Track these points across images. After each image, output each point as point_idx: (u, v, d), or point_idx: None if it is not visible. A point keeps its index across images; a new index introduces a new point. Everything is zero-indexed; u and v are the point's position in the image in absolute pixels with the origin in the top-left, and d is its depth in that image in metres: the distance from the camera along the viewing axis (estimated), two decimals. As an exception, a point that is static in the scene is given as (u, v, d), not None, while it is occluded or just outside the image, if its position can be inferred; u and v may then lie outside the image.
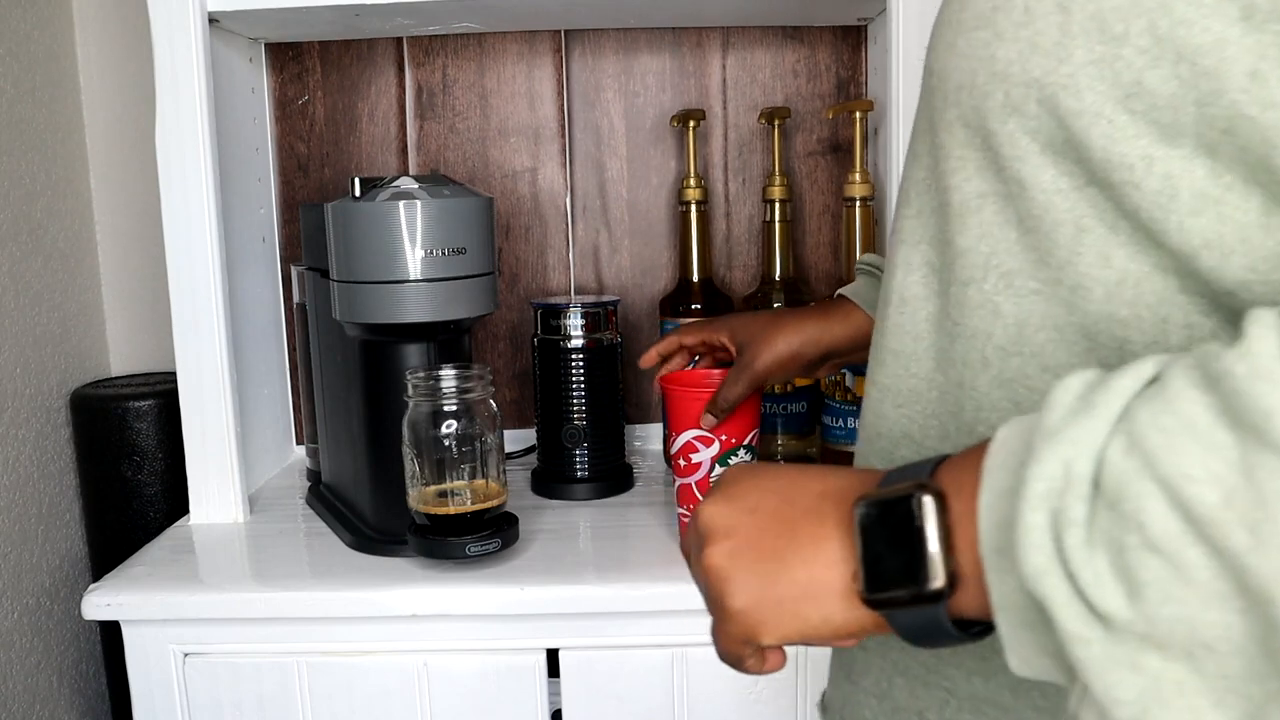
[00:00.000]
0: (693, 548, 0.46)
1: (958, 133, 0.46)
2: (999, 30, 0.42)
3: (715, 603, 0.44)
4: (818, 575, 0.40)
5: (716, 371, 0.93)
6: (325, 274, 0.97)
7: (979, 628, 0.39)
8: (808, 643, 0.42)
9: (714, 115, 1.27)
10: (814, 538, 0.41)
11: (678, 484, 0.93)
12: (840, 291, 0.88)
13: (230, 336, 1.04)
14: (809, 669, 0.90)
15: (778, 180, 1.17)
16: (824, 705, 0.61)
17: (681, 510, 0.94)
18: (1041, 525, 0.32)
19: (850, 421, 1.12)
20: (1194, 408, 0.30)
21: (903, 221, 0.53)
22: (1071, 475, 0.32)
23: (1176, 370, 0.31)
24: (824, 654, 0.89)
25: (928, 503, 0.37)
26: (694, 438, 0.90)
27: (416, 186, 0.93)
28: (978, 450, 0.37)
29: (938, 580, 0.37)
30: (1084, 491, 0.31)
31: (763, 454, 1.18)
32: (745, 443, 0.91)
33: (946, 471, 0.39)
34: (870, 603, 0.39)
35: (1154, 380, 0.32)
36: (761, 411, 0.93)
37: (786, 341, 0.86)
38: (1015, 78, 0.42)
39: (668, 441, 0.95)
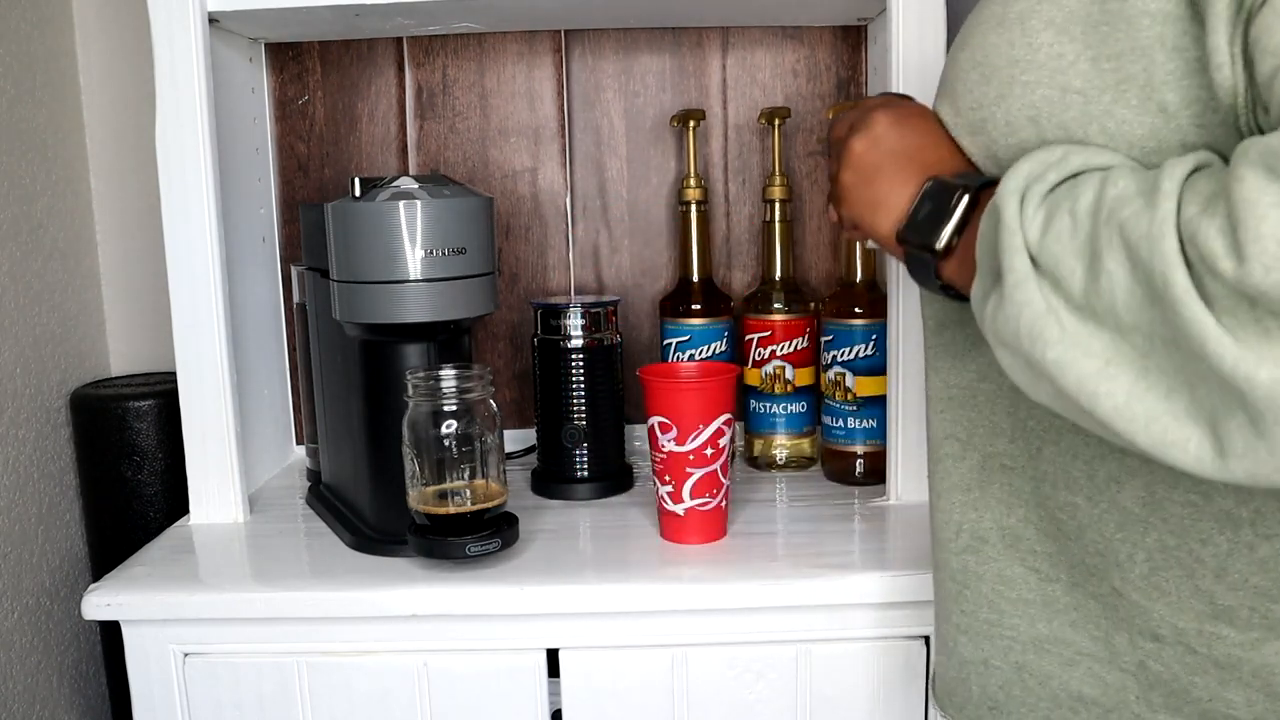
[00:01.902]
0: (847, 130, 0.66)
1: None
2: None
3: (839, 166, 0.66)
4: (892, 202, 0.62)
5: (686, 365, 1.11)
6: (325, 274, 0.97)
7: (952, 292, 0.60)
8: (860, 231, 0.66)
9: (714, 115, 1.27)
10: (903, 182, 0.62)
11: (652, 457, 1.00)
12: None
13: (230, 336, 1.04)
14: (811, 669, 0.90)
15: (778, 180, 1.17)
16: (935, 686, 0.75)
17: (661, 486, 0.98)
18: (1025, 173, 0.51)
19: (850, 421, 1.12)
20: (1143, 173, 0.47)
21: None
22: (1062, 164, 0.50)
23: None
24: (823, 659, 0.89)
25: (964, 199, 0.58)
26: (657, 423, 0.97)
27: (416, 186, 0.93)
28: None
29: (940, 243, 0.58)
30: (1063, 172, 0.50)
31: (763, 454, 1.19)
32: (707, 426, 0.96)
33: (988, 190, 0.56)
34: (898, 236, 0.61)
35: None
36: (731, 397, 0.97)
37: None
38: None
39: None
